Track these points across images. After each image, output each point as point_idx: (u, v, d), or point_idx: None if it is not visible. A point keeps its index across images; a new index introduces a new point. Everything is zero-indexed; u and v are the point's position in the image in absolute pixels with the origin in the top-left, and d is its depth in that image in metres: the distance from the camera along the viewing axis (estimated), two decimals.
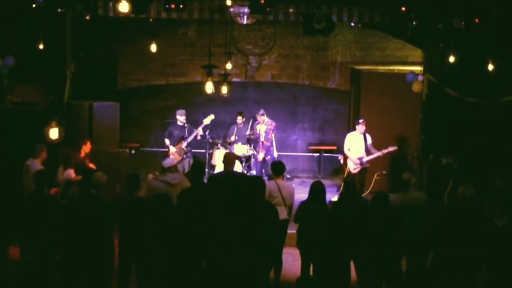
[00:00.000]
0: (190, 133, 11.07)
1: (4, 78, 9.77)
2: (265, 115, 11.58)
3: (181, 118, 11.13)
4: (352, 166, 10.82)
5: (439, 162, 10.00)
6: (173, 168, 7.91)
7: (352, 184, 7.64)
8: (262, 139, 11.47)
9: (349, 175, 10.77)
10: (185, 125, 11.13)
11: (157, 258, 6.52)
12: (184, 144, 11.06)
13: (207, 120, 11.36)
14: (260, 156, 11.49)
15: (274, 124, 11.62)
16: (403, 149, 11.46)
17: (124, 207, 6.80)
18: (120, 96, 12.07)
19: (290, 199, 7.65)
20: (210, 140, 11.75)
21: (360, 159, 10.74)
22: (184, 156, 11.09)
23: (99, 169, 7.65)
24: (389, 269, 6.48)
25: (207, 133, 11.73)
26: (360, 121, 10.80)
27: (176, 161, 10.72)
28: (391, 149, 10.74)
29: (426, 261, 6.12)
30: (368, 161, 10.81)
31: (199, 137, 11.25)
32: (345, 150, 10.91)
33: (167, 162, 7.91)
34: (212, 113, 11.59)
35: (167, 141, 11.22)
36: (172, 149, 11.04)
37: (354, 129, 11.16)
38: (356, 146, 10.80)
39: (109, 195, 7.65)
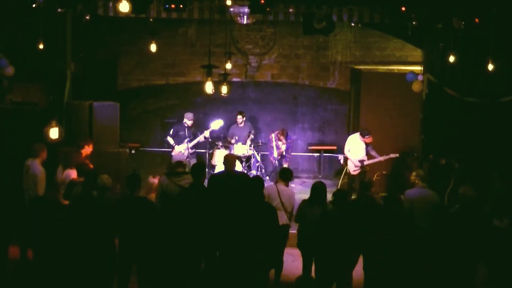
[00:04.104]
0: (195, 136, 11.18)
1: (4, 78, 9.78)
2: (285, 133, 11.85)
3: (188, 122, 11.28)
4: (352, 168, 10.81)
5: (439, 162, 10.00)
6: (183, 164, 7.82)
7: (369, 185, 7.67)
8: (275, 153, 11.84)
9: (350, 176, 10.78)
10: (192, 128, 11.30)
11: (158, 258, 6.52)
12: (189, 145, 11.19)
13: (214, 125, 11.42)
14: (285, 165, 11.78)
15: (290, 140, 12.03)
16: (403, 149, 11.45)
17: (125, 207, 6.80)
18: (120, 96, 12.07)
19: (290, 204, 7.61)
20: (210, 140, 11.77)
21: (361, 161, 10.73)
22: (190, 156, 11.19)
23: (98, 169, 7.64)
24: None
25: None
26: (367, 136, 10.60)
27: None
28: (392, 155, 10.71)
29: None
30: (368, 165, 10.79)
31: (203, 139, 11.34)
32: (345, 151, 10.90)
33: (180, 158, 7.80)
34: (212, 113, 11.65)
35: (170, 140, 11.33)
36: (177, 148, 11.15)
37: (356, 131, 11.14)
38: (356, 148, 10.78)
39: (109, 195, 7.64)
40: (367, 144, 10.71)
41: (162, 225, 6.57)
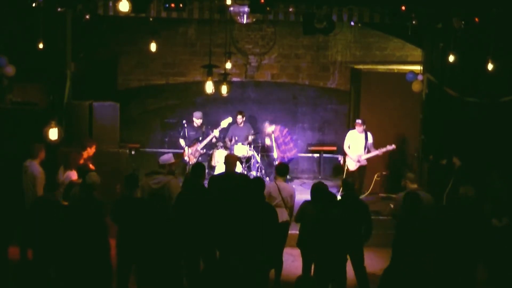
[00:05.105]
0: (206, 135, 11.14)
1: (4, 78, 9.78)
2: (268, 126, 11.73)
3: (197, 121, 11.24)
4: (351, 164, 10.82)
5: (439, 162, 10.00)
6: (167, 166, 7.85)
7: (352, 185, 7.65)
8: (275, 154, 11.74)
9: (348, 175, 10.77)
10: (202, 127, 11.23)
11: (157, 259, 6.52)
12: (199, 146, 11.13)
13: (224, 123, 11.40)
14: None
15: (275, 127, 11.82)
16: (403, 150, 11.44)
17: (123, 207, 6.80)
18: (120, 96, 12.06)
19: (290, 200, 7.63)
20: (214, 140, 11.74)
21: (358, 156, 10.74)
22: (200, 158, 11.12)
23: (99, 169, 7.64)
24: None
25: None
26: (356, 121, 10.76)
27: (191, 161, 10.86)
28: (389, 148, 10.71)
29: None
30: (365, 159, 10.78)
31: (214, 140, 11.33)
32: (345, 148, 10.93)
33: (164, 159, 7.86)
34: (212, 113, 11.63)
35: (182, 142, 11.30)
36: (188, 150, 11.07)
37: (354, 127, 11.16)
38: (356, 144, 10.80)
39: (109, 195, 7.64)
40: (367, 139, 10.72)
41: (161, 225, 6.57)
